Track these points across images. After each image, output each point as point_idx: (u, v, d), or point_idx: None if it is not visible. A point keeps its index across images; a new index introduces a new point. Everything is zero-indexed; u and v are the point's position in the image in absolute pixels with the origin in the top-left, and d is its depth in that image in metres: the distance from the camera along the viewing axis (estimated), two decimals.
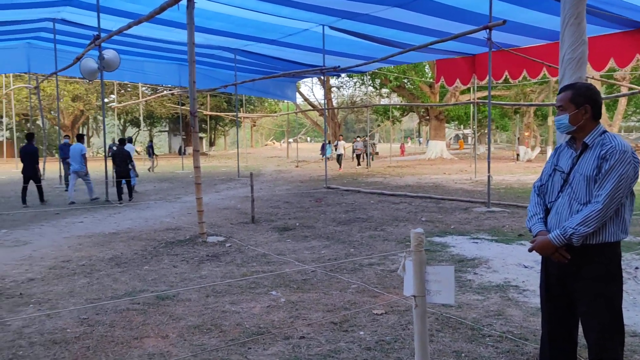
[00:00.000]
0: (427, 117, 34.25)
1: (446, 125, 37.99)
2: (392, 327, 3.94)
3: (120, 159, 13.16)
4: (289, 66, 18.61)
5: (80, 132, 44.52)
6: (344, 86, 45.32)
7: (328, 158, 23.08)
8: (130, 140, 16.12)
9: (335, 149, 26.52)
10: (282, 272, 5.64)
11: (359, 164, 26.97)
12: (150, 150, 25.30)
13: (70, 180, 13.03)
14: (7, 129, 39.09)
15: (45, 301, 4.74)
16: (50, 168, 20.87)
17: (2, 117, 35.65)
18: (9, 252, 7.07)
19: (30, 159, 12.19)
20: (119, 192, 12.75)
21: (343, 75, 36.89)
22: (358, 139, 28.07)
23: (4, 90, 29.79)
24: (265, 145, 71.56)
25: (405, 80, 31.52)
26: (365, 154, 27.02)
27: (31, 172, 12.16)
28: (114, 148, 20.06)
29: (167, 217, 10.12)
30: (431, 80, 30.85)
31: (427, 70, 32.94)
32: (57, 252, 7.01)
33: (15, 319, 4.22)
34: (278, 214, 10.20)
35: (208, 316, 4.25)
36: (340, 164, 25.32)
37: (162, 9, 8.01)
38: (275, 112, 51.89)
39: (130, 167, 13.28)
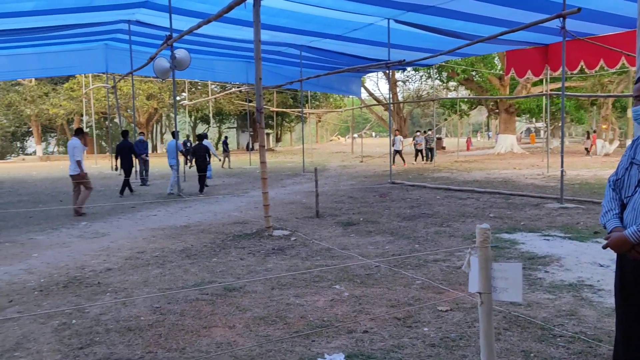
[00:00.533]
0: (497, 111, 33.21)
1: (517, 118, 36.68)
2: (457, 324, 3.87)
3: (200, 153, 14.13)
4: (354, 61, 18.59)
5: (154, 129, 46.45)
6: (410, 80, 44.74)
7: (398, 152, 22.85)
8: (206, 136, 16.88)
9: (393, 145, 25.41)
10: (345, 267, 5.66)
11: (417, 159, 25.96)
12: (225, 147, 25.93)
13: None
14: (87, 127, 41.38)
15: (121, 290, 4.99)
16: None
17: (83, 115, 37.77)
18: (88, 243, 7.49)
19: (127, 152, 13.98)
20: (201, 184, 13.90)
21: (408, 68, 36.45)
22: (418, 133, 27.24)
23: (85, 90, 31.52)
24: (330, 140, 71.86)
25: (474, 73, 30.70)
26: (427, 149, 26.08)
27: (128, 165, 13.94)
28: (188, 144, 20.88)
29: (235, 211, 10.39)
30: (501, 72, 29.88)
31: (496, 62, 31.95)
32: (133, 243, 7.36)
33: (93, 307, 4.47)
34: (342, 209, 10.23)
35: (273, 308, 4.34)
36: (403, 160, 24.07)
37: (230, 7, 8.20)
38: (340, 107, 51.97)
39: (206, 163, 14.25)
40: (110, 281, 5.35)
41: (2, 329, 3.97)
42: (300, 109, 31.95)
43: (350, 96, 36.84)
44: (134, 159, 14.57)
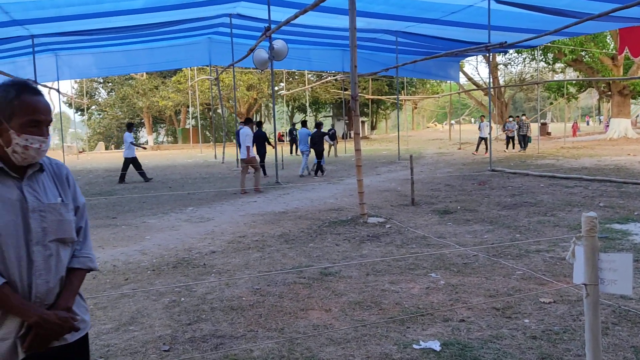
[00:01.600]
0: (609, 93, 30.85)
1: (632, 101, 33.86)
2: (560, 317, 3.70)
3: (318, 140, 15.78)
4: (452, 45, 18.05)
5: (253, 118, 48.06)
6: (512, 63, 42.68)
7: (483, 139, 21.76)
8: (321, 124, 17.60)
9: (480, 131, 23.28)
10: (442, 255, 5.58)
11: (509, 147, 24.16)
12: (333, 136, 25.89)
13: (303, 159, 16.23)
14: (192, 118, 43.65)
15: (225, 271, 5.27)
16: (229, 152, 22.85)
17: (188, 106, 39.91)
18: (195, 227, 7.95)
19: (262, 141, 15.39)
20: (319, 169, 15.60)
21: (510, 51, 34.75)
22: (510, 119, 25.38)
23: (190, 82, 33.25)
24: (427, 127, 70.49)
25: (583, 53, 28.70)
26: (520, 137, 24.28)
27: (263, 153, 15.40)
28: (294, 132, 21.60)
29: (331, 198, 10.55)
30: (614, 51, 27.67)
31: (608, 41, 29.62)
32: (235, 228, 7.72)
33: (200, 286, 4.76)
34: (439, 197, 10.06)
35: (368, 294, 4.38)
36: (486, 148, 21.46)
37: None
38: (437, 93, 50.76)
39: (321, 148, 15.80)
40: (215, 263, 5.66)
41: (118, 304, 4.35)
42: (395, 96, 31.63)
43: (448, 81, 35.88)
44: (220, 149, 15.40)
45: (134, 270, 5.49)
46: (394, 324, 3.70)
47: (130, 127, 16.32)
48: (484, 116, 23.85)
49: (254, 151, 12.22)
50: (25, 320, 1.64)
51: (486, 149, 21.27)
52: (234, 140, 28.41)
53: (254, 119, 48.71)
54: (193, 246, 6.58)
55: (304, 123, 17.28)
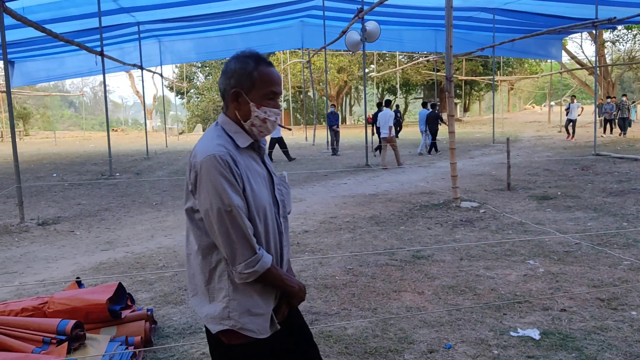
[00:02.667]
0: None
1: None
2: None
3: (433, 120, 16.41)
4: (554, 22, 17.01)
5: (343, 101, 48.14)
6: (621, 40, 39.52)
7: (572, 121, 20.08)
8: (434, 105, 17.64)
9: (567, 113, 20.92)
10: (541, 242, 5.37)
11: (606, 131, 21.99)
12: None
13: (422, 140, 16.93)
14: (284, 100, 44.50)
15: (318, 250, 5.39)
16: (320, 134, 23.11)
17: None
18: None
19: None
20: (434, 147, 16.32)
21: (620, 27, 32.19)
22: (609, 100, 23.02)
23: (282, 66, 33.86)
24: (524, 109, 67.20)
25: None
26: (620, 120, 21.54)
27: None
28: (398, 115, 21.43)
29: (422, 181, 10.41)
30: None
31: None
32: (326, 209, 7.84)
33: (294, 264, 4.91)
34: (537, 182, 9.62)
35: (462, 278, 4.32)
36: (570, 132, 20.06)
37: None
38: (537, 73, 48.14)
39: (436, 128, 16.56)
40: (308, 242, 5.80)
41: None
42: (490, 77, 30.41)
43: (549, 60, 33.92)
44: (310, 131, 15.50)
45: None
46: (489, 310, 3.63)
47: (425, 105, 17.30)
48: (574, 96, 21.74)
49: (392, 130, 13.53)
50: (289, 290, 1.68)
51: (572, 132, 19.88)
52: (324, 123, 28.61)
53: (343, 102, 48.72)
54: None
55: (423, 104, 18.10)
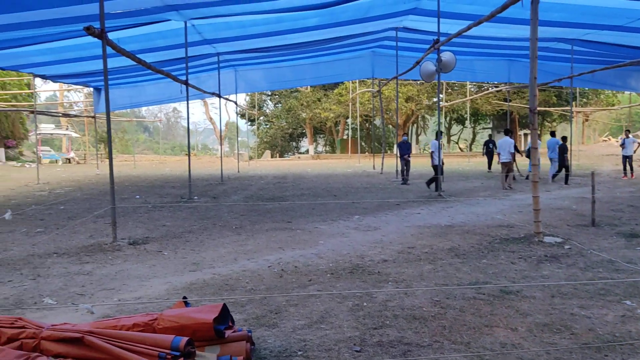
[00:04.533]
0: None
1: None
2: None
3: (563, 149, 16.69)
4: (634, 53, 16.40)
5: (409, 130, 47.96)
6: None
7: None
8: (553, 134, 17.87)
9: (622, 149, 18.94)
10: (635, 282, 5.14)
11: None
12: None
13: (551, 168, 17.24)
14: (351, 129, 44.91)
15: (400, 281, 5.39)
16: (388, 163, 23.10)
17: (348, 118, 41.09)
18: (363, 235, 8.21)
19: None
20: (560, 176, 16.68)
21: None
22: None
23: (351, 95, 34.28)
24: (599, 141, 64.42)
25: None
26: None
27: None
28: (490, 145, 21.11)
29: (498, 213, 10.19)
30: None
31: None
32: (402, 238, 7.83)
33: (379, 293, 4.93)
34: (622, 218, 9.21)
35: (556, 316, 4.20)
36: (631, 169, 18.33)
37: (505, 7, 8.08)
38: (613, 104, 46.23)
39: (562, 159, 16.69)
40: (389, 272, 5.81)
41: (308, 302, 4.68)
42: (565, 108, 29.47)
43: (627, 92, 32.55)
44: (378, 159, 15.47)
45: (314, 272, 5.84)
46: (589, 351, 3.51)
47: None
48: (628, 131, 19.97)
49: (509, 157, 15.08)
50: None
51: (631, 170, 18.36)
52: (389, 152, 28.66)
53: (409, 131, 48.50)
54: (364, 254, 6.81)
55: (552, 133, 18.12)
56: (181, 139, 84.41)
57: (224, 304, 3.34)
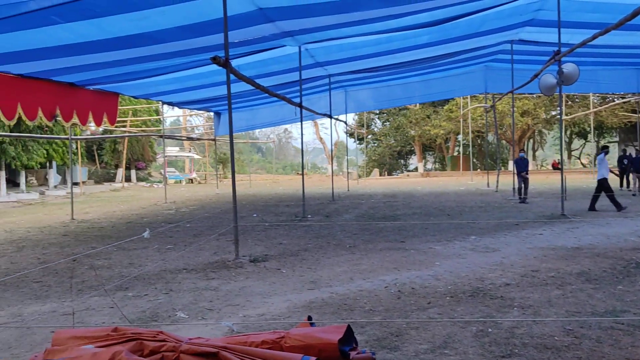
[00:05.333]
0: None
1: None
2: None
3: None
4: None
5: (525, 145, 45.74)
6: None
7: None
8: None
9: None
10: None
11: None
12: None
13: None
14: (462, 145, 43.74)
15: (527, 307, 5.12)
16: (503, 180, 22.16)
17: (458, 134, 40.09)
18: (481, 256, 7.91)
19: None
20: None
21: None
22: None
23: (462, 111, 33.46)
24: None
25: None
26: None
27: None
28: (625, 161, 19.48)
29: (632, 235, 9.38)
30: None
31: None
32: (524, 261, 7.44)
33: (504, 320, 4.72)
34: None
35: None
36: None
37: (635, 14, 7.51)
38: None
39: None
40: (512, 296, 5.54)
41: (429, 326, 4.59)
42: None
43: None
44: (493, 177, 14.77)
45: (432, 294, 5.73)
46: None
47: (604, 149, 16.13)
48: None
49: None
50: None
51: None
52: (503, 168, 27.40)
53: (525, 146, 46.23)
54: (484, 276, 6.56)
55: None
56: (292, 158, 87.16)
57: (349, 325, 3.37)
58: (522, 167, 16.56)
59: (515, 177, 16.98)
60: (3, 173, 24.19)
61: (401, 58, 15.80)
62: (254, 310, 5.35)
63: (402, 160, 53.59)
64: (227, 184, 34.88)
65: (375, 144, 50.80)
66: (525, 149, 42.60)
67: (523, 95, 35.35)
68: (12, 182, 27.88)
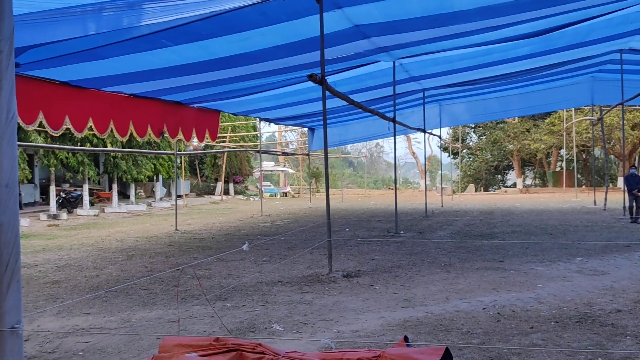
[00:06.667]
0: None
1: None
2: None
3: None
4: None
5: (636, 160, 42.40)
6: None
7: None
8: None
9: None
10: None
11: None
12: None
13: None
14: (565, 160, 41.45)
15: None
16: (612, 198, 20.69)
17: (561, 148, 38.01)
18: (588, 279, 7.41)
19: None
20: None
21: None
22: None
23: (565, 124, 31.71)
24: None
25: None
26: None
27: None
28: None
29: None
30: None
31: None
32: (637, 285, 6.89)
33: (616, 350, 4.37)
34: None
35: None
36: None
37: None
38: None
39: None
40: (625, 324, 5.14)
41: (532, 353, 4.35)
42: None
43: None
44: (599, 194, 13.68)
45: (535, 318, 5.44)
46: None
47: None
48: None
49: None
50: None
51: None
52: (612, 185, 25.50)
53: (636, 161, 42.90)
54: (593, 301, 6.14)
55: None
56: (383, 172, 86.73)
57: (447, 348, 3.28)
58: (633, 184, 15.39)
59: (626, 194, 15.79)
60: (115, 186, 26.11)
61: (500, 70, 15.30)
62: (347, 326, 5.36)
63: (499, 176, 51.61)
64: (319, 198, 35.34)
65: (471, 159, 49.36)
66: (636, 165, 39.56)
67: (634, 107, 32.88)
68: (123, 194, 30.01)
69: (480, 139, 48.30)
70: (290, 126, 31.75)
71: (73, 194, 24.19)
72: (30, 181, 24.46)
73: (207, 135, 15.00)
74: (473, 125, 46.65)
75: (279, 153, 38.43)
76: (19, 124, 7.74)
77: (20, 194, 24.49)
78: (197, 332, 5.23)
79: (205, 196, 38.61)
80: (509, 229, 13.88)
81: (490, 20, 9.50)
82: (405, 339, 3.67)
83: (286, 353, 3.48)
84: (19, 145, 17.35)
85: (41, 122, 9.46)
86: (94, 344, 4.97)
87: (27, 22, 5.93)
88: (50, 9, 5.73)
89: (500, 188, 47.67)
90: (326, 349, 4.32)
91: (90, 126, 10.81)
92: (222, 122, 28.28)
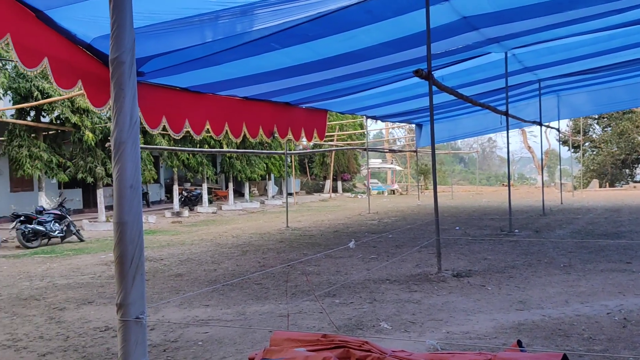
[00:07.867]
0: None
1: None
2: None
3: None
4: None
5: None
6: None
7: None
8: None
9: None
10: None
11: None
12: None
13: None
14: None
15: None
16: None
17: None
18: None
19: None
20: None
21: None
22: None
23: None
24: None
25: None
26: None
27: None
28: None
29: None
30: None
31: None
32: None
33: None
34: None
35: None
36: None
37: None
38: None
39: None
40: None
41: None
42: None
43: None
44: None
45: None
46: None
47: None
48: None
49: None
50: None
51: None
52: None
53: None
54: None
55: None
56: (496, 168, 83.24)
57: (564, 354, 3.09)
58: None
59: None
60: (231, 184, 27.47)
61: (625, 57, 14.07)
62: (457, 327, 5.23)
63: (627, 170, 47.42)
64: (428, 195, 34.68)
65: (594, 152, 45.85)
66: None
67: None
68: (238, 193, 31.52)
69: (605, 131, 44.68)
70: (398, 123, 31.45)
71: (194, 193, 25.82)
72: (156, 181, 26.40)
73: (315, 134, 15.29)
74: (596, 116, 43.28)
75: (386, 150, 38.21)
76: (145, 128, 8.41)
77: (147, 193, 26.61)
78: (306, 327, 5.37)
79: (315, 194, 39.41)
80: (638, 228, 12.74)
81: (612, 3, 8.76)
82: (519, 343, 3.51)
83: (393, 352, 3.47)
84: (146, 148, 18.86)
85: (164, 126, 10.18)
86: (212, 335, 5.28)
87: (149, 34, 6.42)
88: (169, 19, 6.17)
89: (628, 183, 43.74)
90: (431, 351, 4.26)
91: (207, 129, 11.45)
92: (329, 121, 28.74)
